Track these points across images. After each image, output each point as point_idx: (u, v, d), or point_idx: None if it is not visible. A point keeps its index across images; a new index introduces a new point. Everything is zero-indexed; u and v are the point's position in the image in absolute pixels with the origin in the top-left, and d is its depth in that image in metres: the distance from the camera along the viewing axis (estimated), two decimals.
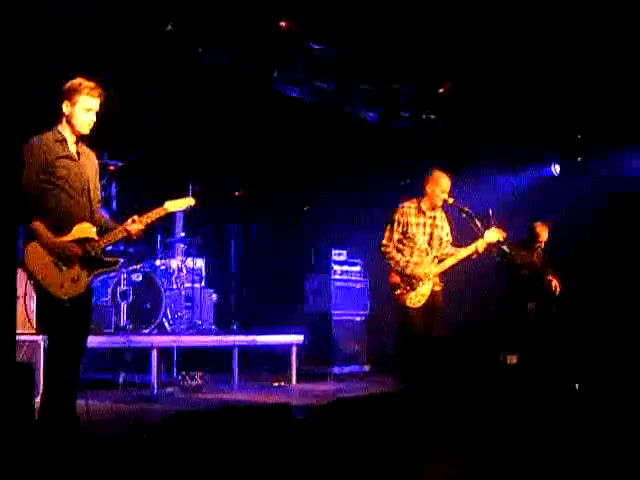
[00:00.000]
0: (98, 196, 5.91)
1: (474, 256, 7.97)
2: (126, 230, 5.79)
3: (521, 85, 10.87)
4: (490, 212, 8.00)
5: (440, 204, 8.06)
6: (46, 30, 8.56)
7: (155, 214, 5.96)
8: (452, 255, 8.00)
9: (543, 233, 10.03)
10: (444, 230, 8.17)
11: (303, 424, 5.41)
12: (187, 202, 6.25)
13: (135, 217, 5.85)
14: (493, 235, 7.93)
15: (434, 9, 9.18)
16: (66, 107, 5.65)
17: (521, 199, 12.24)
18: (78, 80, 5.70)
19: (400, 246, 8.00)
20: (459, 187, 8.34)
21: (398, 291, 7.88)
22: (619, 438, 6.06)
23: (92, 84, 5.69)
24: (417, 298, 7.83)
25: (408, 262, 7.89)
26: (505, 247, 8.12)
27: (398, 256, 7.94)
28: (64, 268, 5.47)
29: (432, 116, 12.15)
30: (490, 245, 7.97)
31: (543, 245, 10.12)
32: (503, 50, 10.01)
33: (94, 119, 5.71)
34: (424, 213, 8.05)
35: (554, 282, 9.96)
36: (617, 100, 10.87)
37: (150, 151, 11.09)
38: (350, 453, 5.16)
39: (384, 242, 8.03)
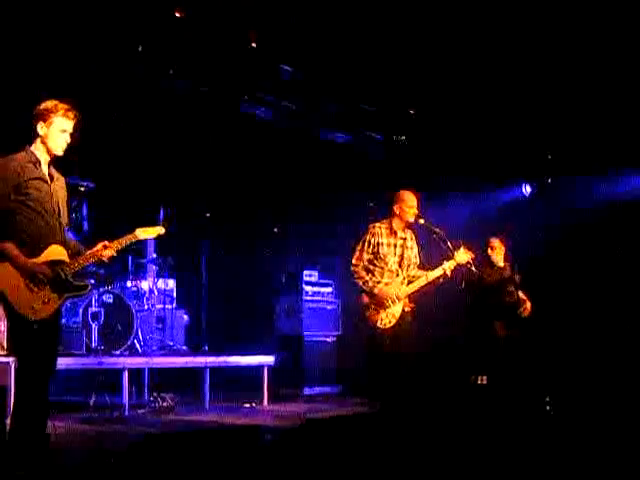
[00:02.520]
0: (67, 219, 5.92)
1: (440, 280, 8.03)
2: (99, 256, 5.80)
3: (491, 106, 10.95)
4: (459, 238, 8.08)
5: (412, 220, 8.08)
6: (11, 52, 8.60)
7: (126, 240, 5.97)
8: (421, 277, 8.04)
9: (495, 245, 9.99)
10: (413, 251, 8.21)
11: (272, 446, 5.43)
12: (157, 231, 6.24)
13: (106, 242, 5.87)
14: (462, 256, 8.00)
15: (404, 31, 9.24)
16: (41, 128, 5.65)
17: (490, 220, 12.27)
18: (53, 101, 5.72)
19: (371, 267, 8.02)
20: (427, 208, 8.40)
21: (369, 311, 7.90)
22: (591, 456, 6.11)
23: (67, 106, 5.70)
24: (388, 319, 7.85)
25: (377, 283, 7.91)
26: (473, 268, 8.17)
27: (367, 276, 7.97)
28: (35, 289, 5.46)
29: (402, 137, 12.20)
30: (459, 266, 8.02)
31: (501, 255, 10.05)
32: (474, 71, 10.08)
33: (69, 141, 5.72)
34: (395, 234, 8.08)
35: (526, 304, 9.89)
36: (586, 123, 10.98)
37: (121, 173, 11.12)
38: (320, 475, 5.17)
39: (354, 262, 8.05)
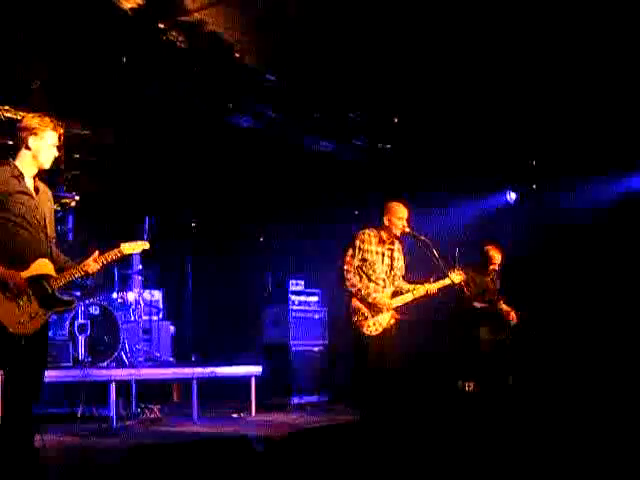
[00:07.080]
0: (53, 233, 5.91)
1: (428, 295, 8.07)
2: (85, 270, 5.81)
3: (475, 113, 10.98)
4: (456, 253, 8.12)
5: (399, 233, 8.08)
6: None
7: (111, 256, 5.99)
8: (408, 292, 8.04)
9: (496, 256, 9.99)
10: (400, 261, 8.20)
11: (263, 456, 5.42)
12: (142, 245, 6.29)
13: (96, 254, 5.86)
14: (457, 277, 8.04)
15: (386, 39, 9.26)
16: (33, 142, 5.66)
17: (475, 227, 12.29)
18: (40, 115, 5.75)
19: (360, 272, 7.99)
20: (413, 216, 8.40)
21: (356, 316, 7.86)
22: (577, 461, 6.12)
23: (55, 120, 5.74)
24: (375, 326, 7.83)
25: (368, 289, 7.90)
26: (465, 289, 8.24)
27: (359, 283, 7.91)
28: (21, 304, 5.45)
29: (387, 146, 12.21)
30: (451, 285, 8.05)
31: (497, 268, 10.07)
32: (457, 78, 10.10)
33: (57, 154, 5.77)
34: (384, 243, 8.07)
35: (512, 313, 9.93)
36: (571, 130, 11.03)
37: (105, 184, 11.12)
38: None
39: (345, 267, 7.91)
